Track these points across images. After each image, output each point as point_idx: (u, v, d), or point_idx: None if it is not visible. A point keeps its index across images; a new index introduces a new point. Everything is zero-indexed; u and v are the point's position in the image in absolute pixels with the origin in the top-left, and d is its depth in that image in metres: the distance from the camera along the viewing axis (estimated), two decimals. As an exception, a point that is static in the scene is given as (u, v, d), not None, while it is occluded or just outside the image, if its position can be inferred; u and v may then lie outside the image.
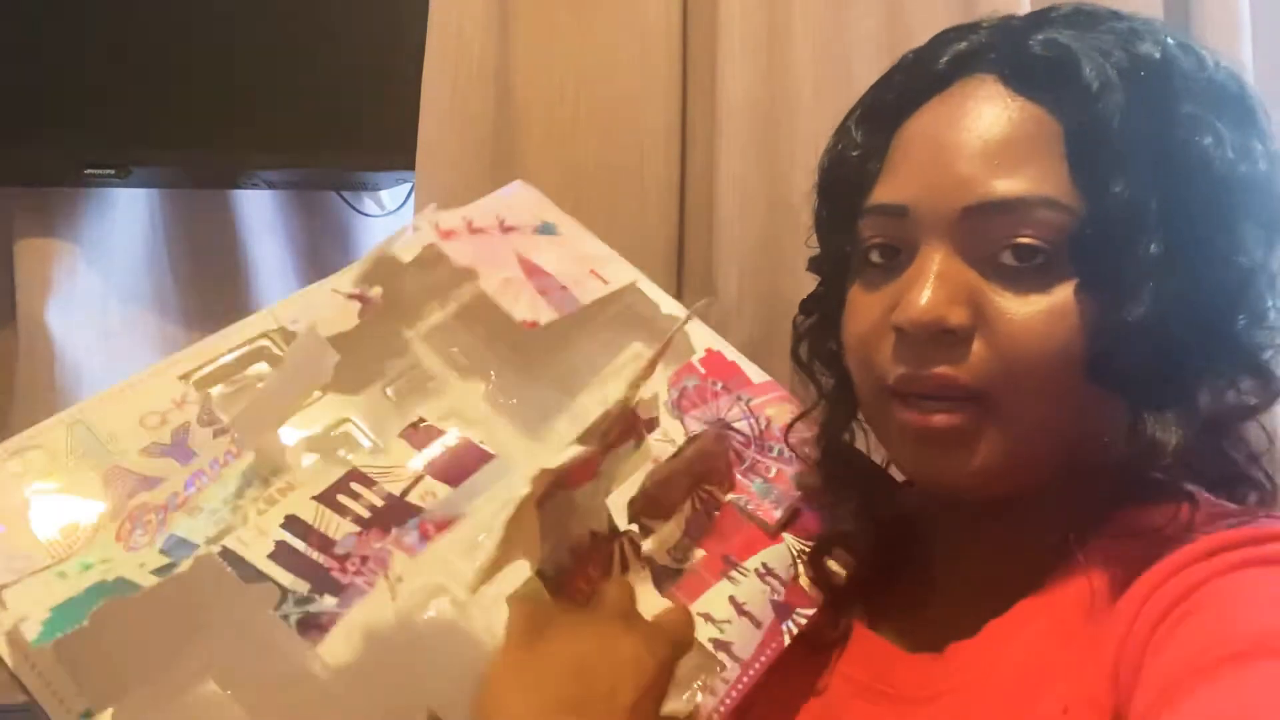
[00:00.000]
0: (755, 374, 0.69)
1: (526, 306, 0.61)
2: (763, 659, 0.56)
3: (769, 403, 0.68)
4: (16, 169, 1.04)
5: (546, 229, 0.69)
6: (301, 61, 1.04)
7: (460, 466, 0.57)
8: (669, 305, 0.69)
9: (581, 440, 0.52)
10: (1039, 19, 0.54)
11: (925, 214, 0.51)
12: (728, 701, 0.54)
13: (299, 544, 0.51)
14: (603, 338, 0.63)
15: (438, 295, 0.64)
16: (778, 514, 0.62)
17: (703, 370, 0.67)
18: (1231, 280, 0.49)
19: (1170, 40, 0.52)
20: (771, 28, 0.93)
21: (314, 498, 0.53)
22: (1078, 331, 0.48)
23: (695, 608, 0.56)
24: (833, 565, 0.60)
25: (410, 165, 0.96)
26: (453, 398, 0.61)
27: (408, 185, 1.16)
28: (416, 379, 0.62)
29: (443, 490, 0.56)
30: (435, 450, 0.58)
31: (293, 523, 0.52)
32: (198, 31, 1.02)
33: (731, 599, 0.57)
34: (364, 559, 0.51)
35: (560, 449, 0.51)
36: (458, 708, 0.47)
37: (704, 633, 0.55)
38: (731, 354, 0.69)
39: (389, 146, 1.01)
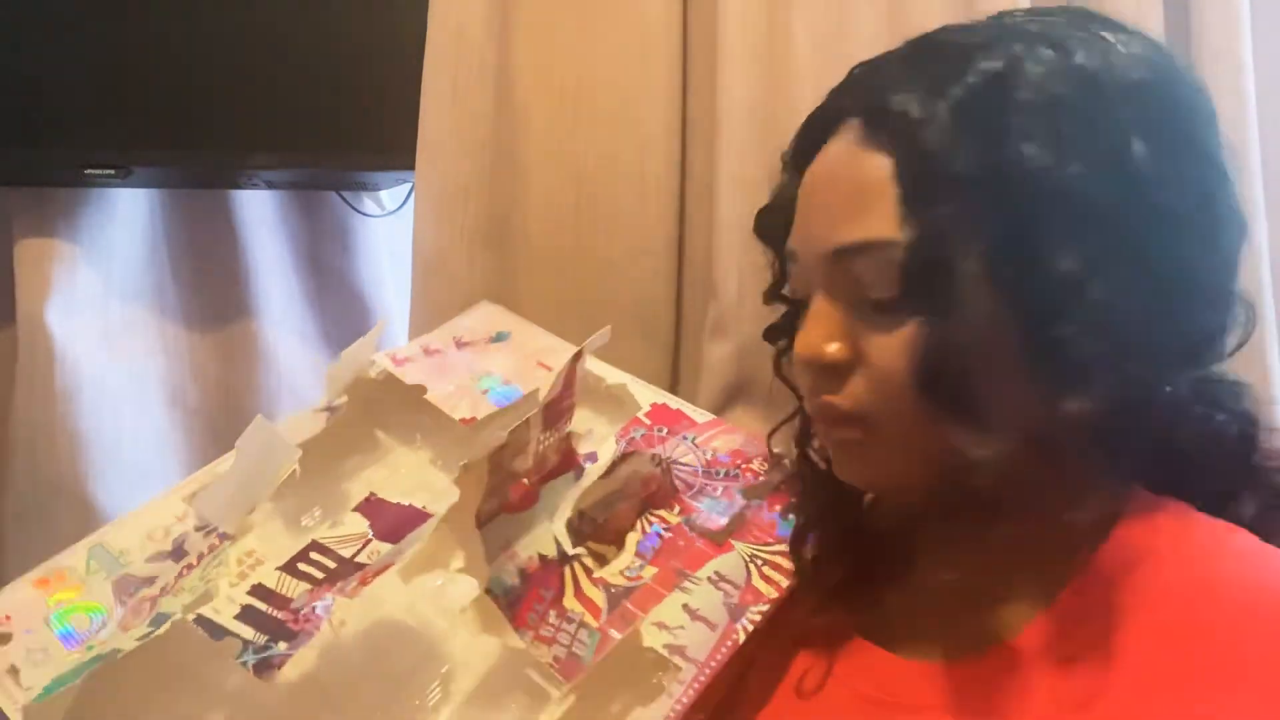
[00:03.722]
0: (699, 416, 0.74)
1: (467, 408, 0.70)
2: (718, 657, 0.58)
3: (714, 436, 0.72)
4: (16, 169, 1.04)
5: (500, 337, 0.79)
6: (301, 62, 1.04)
7: (403, 528, 0.64)
8: (614, 375, 0.76)
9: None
10: (897, 59, 0.55)
11: (805, 260, 0.56)
12: (684, 700, 0.56)
13: (262, 606, 0.59)
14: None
15: (397, 397, 0.73)
16: (724, 521, 0.65)
17: (648, 421, 0.73)
18: (1053, 289, 0.48)
19: (1017, 48, 0.50)
20: (771, 28, 0.93)
21: (278, 568, 0.62)
22: (921, 358, 0.50)
23: (649, 617, 0.59)
24: (807, 556, 0.63)
25: (410, 165, 0.96)
26: (403, 470, 0.71)
27: (408, 185, 1.16)
28: (372, 458, 0.72)
29: (386, 549, 0.62)
30: (383, 517, 0.66)
31: (258, 590, 0.60)
32: (198, 31, 1.02)
33: (685, 606, 0.60)
34: (313, 609, 0.58)
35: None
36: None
37: (658, 639, 0.58)
38: (675, 404, 0.75)
39: (389, 146, 1.01)
